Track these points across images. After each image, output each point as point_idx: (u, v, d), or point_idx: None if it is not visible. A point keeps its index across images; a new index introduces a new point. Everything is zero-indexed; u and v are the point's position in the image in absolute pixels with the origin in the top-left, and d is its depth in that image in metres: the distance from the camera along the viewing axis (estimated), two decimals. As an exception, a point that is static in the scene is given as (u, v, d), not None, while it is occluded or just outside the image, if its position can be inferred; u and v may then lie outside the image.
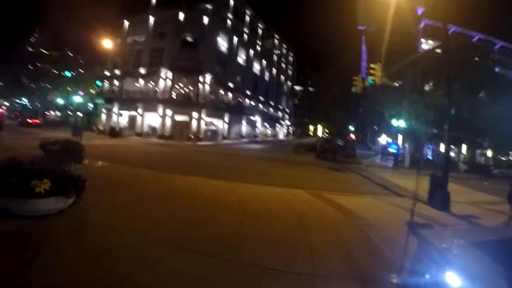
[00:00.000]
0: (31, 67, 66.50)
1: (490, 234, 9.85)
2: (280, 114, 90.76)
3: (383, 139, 52.55)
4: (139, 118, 50.54)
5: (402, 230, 8.55)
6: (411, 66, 29.35)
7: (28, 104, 76.32)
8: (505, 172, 37.52)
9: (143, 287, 5.14)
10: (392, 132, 41.99)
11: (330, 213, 10.77)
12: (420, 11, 58.24)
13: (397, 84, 39.57)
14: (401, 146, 40.22)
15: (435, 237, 8.02)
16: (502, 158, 51.46)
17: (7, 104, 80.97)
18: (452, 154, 33.35)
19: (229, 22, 57.27)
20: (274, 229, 8.43)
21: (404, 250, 4.70)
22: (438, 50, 18.48)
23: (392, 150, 42.32)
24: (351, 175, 24.35)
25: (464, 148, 46.97)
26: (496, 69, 47.34)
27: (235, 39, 58.19)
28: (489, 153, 52.13)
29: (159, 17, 51.41)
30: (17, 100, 78.51)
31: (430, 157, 44.22)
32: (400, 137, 39.16)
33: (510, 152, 51.05)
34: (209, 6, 52.00)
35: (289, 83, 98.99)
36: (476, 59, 38.17)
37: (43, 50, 67.57)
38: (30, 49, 70.84)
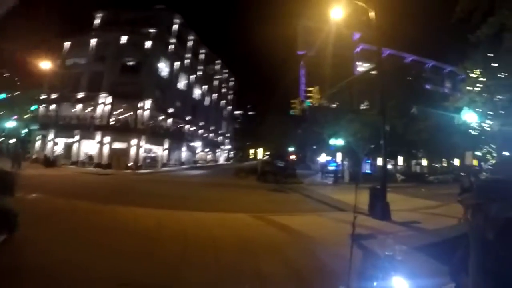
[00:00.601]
0: None
1: (431, 237, 10.47)
2: (220, 138, 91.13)
3: (323, 157, 53.96)
4: (75, 146, 48.31)
5: (346, 243, 8.85)
6: (347, 87, 30.75)
7: None
8: (440, 178, 40.17)
9: None
10: (331, 150, 43.32)
11: (275, 234, 10.86)
12: (356, 36, 61.46)
13: (334, 105, 41.18)
14: (340, 163, 41.48)
15: (379, 246, 8.28)
16: (436, 165, 55.00)
17: None
18: (389, 166, 35.01)
19: (171, 46, 57.23)
20: (219, 256, 8.39)
21: (350, 262, 4.91)
22: (374, 72, 19.59)
23: (331, 167, 43.49)
24: (293, 195, 24.79)
25: (400, 159, 49.50)
26: (428, 86, 50.70)
27: (177, 64, 58.30)
28: (424, 162, 55.41)
29: (101, 40, 50.47)
30: None
31: (369, 171, 45.97)
32: (338, 154, 40.43)
33: (443, 160, 54.46)
34: (152, 30, 51.91)
35: (229, 107, 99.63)
36: (409, 78, 40.68)
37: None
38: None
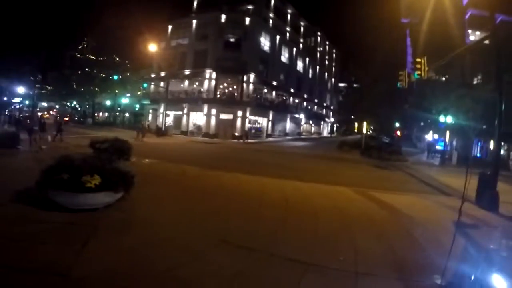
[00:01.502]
0: (80, 72, 69.41)
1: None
2: (324, 111, 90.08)
3: (430, 135, 50.96)
4: (184, 117, 51.98)
5: (448, 230, 8.38)
6: (458, 59, 28.35)
7: (78, 106, 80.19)
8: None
9: (184, 279, 5.28)
10: (439, 129, 40.64)
11: (374, 210, 10.73)
12: (465, 0, 56.02)
13: (443, 79, 38.35)
14: (448, 143, 38.91)
15: (482, 237, 7.81)
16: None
17: (57, 106, 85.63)
18: (502, 151, 31.83)
19: (270, 21, 57.89)
20: (318, 226, 8.51)
21: (449, 251, 4.64)
22: (486, 41, 17.85)
23: (439, 147, 40.96)
24: (396, 173, 23.84)
25: (515, 145, 44.66)
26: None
27: (278, 38, 58.28)
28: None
29: (201, 20, 52.47)
30: (68, 103, 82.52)
31: (479, 154, 42.46)
32: (447, 133, 37.86)
33: None
34: (250, 7, 52.56)
35: (333, 80, 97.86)
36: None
37: (90, 56, 70.31)
38: (78, 55, 73.97)
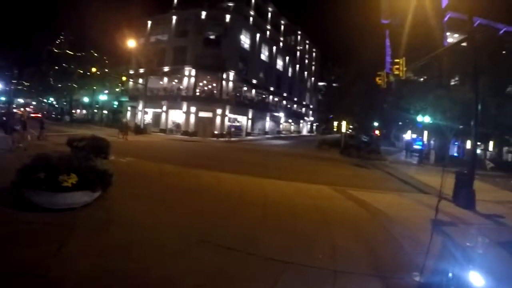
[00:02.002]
0: (57, 68, 68.48)
1: (516, 234, 9.66)
2: (303, 110, 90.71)
3: (408, 135, 51.70)
4: (163, 115, 51.60)
5: (426, 227, 8.41)
6: (436, 60, 28.73)
7: (55, 103, 78.82)
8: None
9: (163, 278, 5.27)
10: (417, 128, 41.23)
11: (353, 209, 10.77)
12: (444, 3, 57.06)
13: (422, 79, 38.85)
14: (426, 143, 39.48)
15: (459, 235, 7.81)
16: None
17: (34, 103, 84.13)
18: (478, 151, 32.39)
19: (251, 19, 57.96)
20: (297, 225, 8.49)
21: (427, 248, 4.65)
22: (464, 44, 18.10)
23: (417, 146, 41.50)
24: (375, 172, 24.05)
25: (491, 145, 45.42)
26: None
27: (258, 36, 58.35)
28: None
29: (182, 16, 52.22)
30: (45, 100, 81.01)
31: (456, 154, 43.15)
32: (425, 133, 38.40)
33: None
34: (230, 4, 52.73)
35: (313, 78, 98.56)
36: (504, 52, 36.93)
37: (68, 51, 69.22)
38: (55, 50, 72.81)
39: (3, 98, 71.41)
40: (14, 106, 66.49)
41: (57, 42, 75.82)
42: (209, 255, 6.27)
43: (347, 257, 6.51)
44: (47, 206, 8.11)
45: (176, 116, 50.88)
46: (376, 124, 67.21)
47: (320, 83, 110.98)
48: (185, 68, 49.55)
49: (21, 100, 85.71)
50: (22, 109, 74.99)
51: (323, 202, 11.14)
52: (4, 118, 30.85)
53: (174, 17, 52.70)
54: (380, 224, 9.18)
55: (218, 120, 48.94)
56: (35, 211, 7.94)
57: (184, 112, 49.03)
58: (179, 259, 6.05)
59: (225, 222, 8.32)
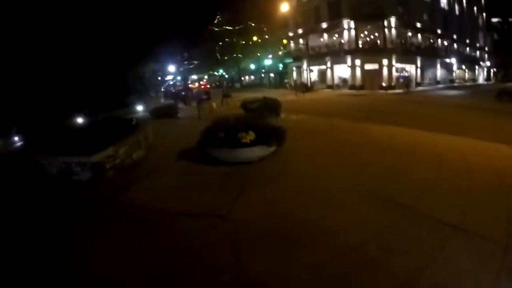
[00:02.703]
0: (221, 44, 74.62)
1: None
2: (478, 53, 79.30)
3: None
4: (328, 71, 51.29)
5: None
6: None
7: (225, 74, 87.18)
8: None
9: (329, 229, 5.45)
10: None
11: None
12: None
13: None
14: None
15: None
16: None
17: (206, 77, 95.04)
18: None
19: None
20: (472, 188, 7.08)
21: None
22: None
23: None
24: None
25: None
26: None
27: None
28: None
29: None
30: (215, 73, 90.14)
31: None
32: None
33: None
34: None
35: (484, 15, 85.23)
36: None
37: (227, 27, 73.92)
38: (216, 29, 78.66)
39: (178, 78, 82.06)
40: (189, 82, 74.53)
41: (215, 21, 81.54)
42: (378, 210, 6.16)
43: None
44: (228, 160, 9.40)
45: (342, 71, 49.98)
46: None
47: (494, 20, 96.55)
48: (343, 21, 47.83)
49: (194, 76, 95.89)
50: (198, 83, 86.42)
51: (504, 164, 8.77)
52: (183, 93, 36.03)
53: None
54: None
55: (385, 71, 46.59)
56: (217, 165, 9.36)
57: (349, 66, 47.97)
58: (347, 211, 6.15)
59: (397, 178, 7.89)
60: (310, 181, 7.81)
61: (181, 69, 72.06)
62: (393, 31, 46.89)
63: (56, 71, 31.64)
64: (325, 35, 51.92)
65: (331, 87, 49.47)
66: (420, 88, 50.16)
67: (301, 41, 53.09)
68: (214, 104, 27.11)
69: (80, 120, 23.81)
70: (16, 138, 23.50)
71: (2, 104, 26.15)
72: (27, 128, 23.80)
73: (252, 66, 76.12)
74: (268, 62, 67.42)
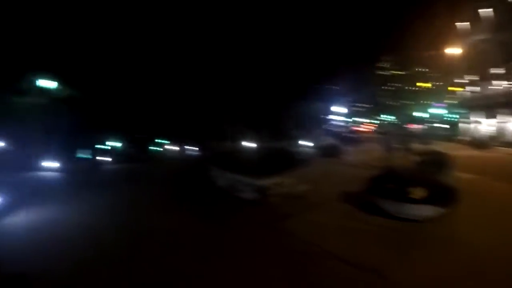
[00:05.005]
0: (385, 88, 74.71)
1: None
2: None
3: None
4: (509, 126, 44.03)
5: None
6: None
7: (394, 119, 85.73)
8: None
9: None
10: None
11: None
12: None
13: None
14: None
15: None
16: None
17: (367, 120, 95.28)
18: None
19: None
20: None
21: None
22: None
23: None
24: None
25: None
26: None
27: None
28: None
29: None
30: (380, 118, 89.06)
31: None
32: None
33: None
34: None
35: None
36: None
37: (394, 72, 73.17)
38: (380, 73, 78.59)
39: (342, 118, 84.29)
40: (353, 124, 76.32)
41: (380, 66, 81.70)
42: None
43: None
44: (392, 213, 9.43)
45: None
46: None
47: None
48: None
49: (357, 119, 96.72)
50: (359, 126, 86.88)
51: None
52: (344, 135, 37.37)
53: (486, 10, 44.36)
54: None
55: None
56: (380, 216, 9.41)
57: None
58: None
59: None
60: (479, 256, 7.04)
61: (347, 109, 73.19)
62: None
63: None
64: (500, 82, 44.57)
65: (510, 145, 40.50)
66: None
67: (471, 88, 49.80)
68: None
69: (252, 144, 27.70)
70: (186, 147, 31.99)
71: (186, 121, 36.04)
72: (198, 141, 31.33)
73: (417, 114, 71.88)
74: (435, 110, 64.27)
